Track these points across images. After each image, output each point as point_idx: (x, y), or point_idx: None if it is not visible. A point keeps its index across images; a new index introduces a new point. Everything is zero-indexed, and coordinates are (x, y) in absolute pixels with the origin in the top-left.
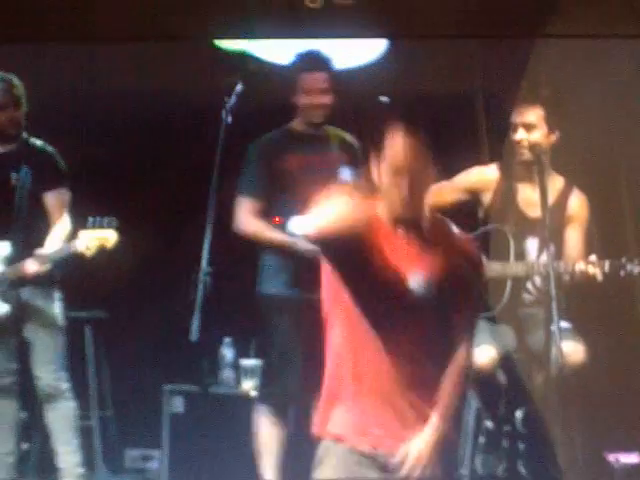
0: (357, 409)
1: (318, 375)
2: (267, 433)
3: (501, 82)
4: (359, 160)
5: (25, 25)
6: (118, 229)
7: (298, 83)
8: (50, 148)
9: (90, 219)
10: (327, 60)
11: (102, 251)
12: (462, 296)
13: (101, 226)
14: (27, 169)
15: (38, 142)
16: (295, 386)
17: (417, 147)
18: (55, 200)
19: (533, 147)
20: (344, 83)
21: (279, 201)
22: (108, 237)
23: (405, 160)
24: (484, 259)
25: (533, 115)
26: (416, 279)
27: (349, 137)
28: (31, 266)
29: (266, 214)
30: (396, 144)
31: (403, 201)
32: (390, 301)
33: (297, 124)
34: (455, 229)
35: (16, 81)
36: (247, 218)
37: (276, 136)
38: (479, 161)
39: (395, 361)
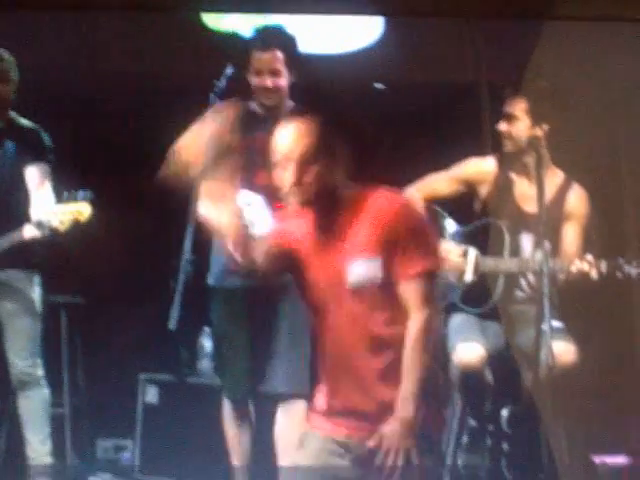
0: (333, 397)
1: (265, 368)
2: (231, 427)
3: (502, 67)
4: None
5: None
6: (94, 204)
7: (250, 61)
8: (35, 125)
9: (65, 193)
10: (284, 38)
11: (76, 225)
12: (403, 261)
13: (75, 200)
14: (11, 145)
15: (24, 120)
16: (242, 379)
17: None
18: (37, 174)
19: (531, 140)
20: (303, 64)
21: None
22: (82, 210)
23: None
24: (475, 252)
25: (515, 106)
26: (352, 270)
27: None
28: (30, 231)
29: None
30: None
31: (296, 187)
32: (338, 291)
33: (253, 103)
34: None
35: (5, 55)
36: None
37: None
38: (480, 151)
39: (365, 348)
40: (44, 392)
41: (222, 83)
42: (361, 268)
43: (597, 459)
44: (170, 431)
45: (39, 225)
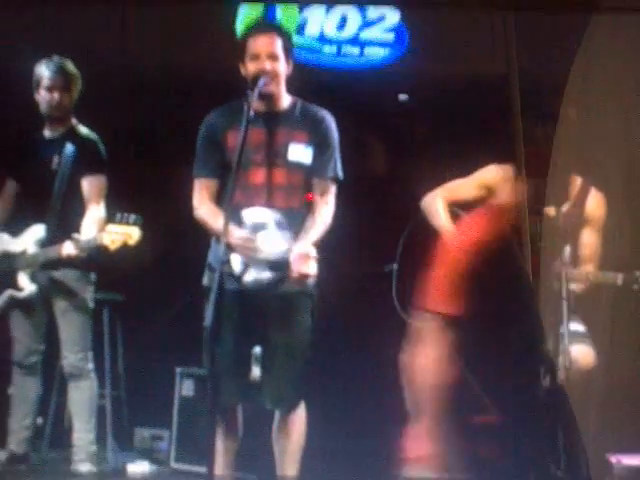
0: None
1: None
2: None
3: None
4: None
5: None
6: (143, 229)
7: (246, 50)
8: (94, 135)
9: (118, 215)
10: (280, 27)
11: (124, 247)
12: None
13: (127, 222)
14: (69, 154)
15: (84, 129)
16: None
17: None
18: (93, 186)
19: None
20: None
21: (228, 180)
22: (132, 234)
23: None
24: None
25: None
26: None
27: (320, 115)
28: (67, 249)
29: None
30: None
31: None
32: None
33: (251, 97)
34: None
35: (69, 66)
36: (198, 201)
37: (224, 110)
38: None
39: None
40: (93, 384)
41: (256, 93)
42: None
43: (613, 458)
44: (204, 422)
45: (85, 242)
